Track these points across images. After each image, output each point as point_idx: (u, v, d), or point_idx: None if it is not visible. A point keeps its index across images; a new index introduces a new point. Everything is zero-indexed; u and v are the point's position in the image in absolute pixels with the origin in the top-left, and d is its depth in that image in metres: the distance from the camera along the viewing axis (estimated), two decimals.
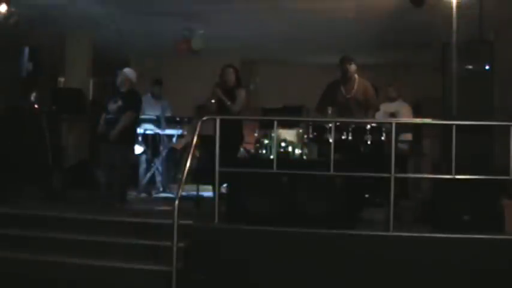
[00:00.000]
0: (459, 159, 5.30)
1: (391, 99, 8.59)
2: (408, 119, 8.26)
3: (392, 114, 8.02)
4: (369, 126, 6.19)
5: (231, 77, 7.25)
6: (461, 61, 6.39)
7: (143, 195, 8.34)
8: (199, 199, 7.09)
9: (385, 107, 8.21)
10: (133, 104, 7.25)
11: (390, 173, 5.33)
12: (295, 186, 5.65)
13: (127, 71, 7.44)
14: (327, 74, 7.73)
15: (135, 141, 7.84)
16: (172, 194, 7.73)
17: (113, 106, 7.19)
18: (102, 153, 7.21)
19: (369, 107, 7.11)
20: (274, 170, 5.52)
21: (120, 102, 7.16)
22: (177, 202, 5.07)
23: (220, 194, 5.75)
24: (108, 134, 7.05)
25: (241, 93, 7.25)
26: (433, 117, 6.93)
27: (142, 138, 8.66)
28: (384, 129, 6.22)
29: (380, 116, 7.73)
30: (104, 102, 7.44)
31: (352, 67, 7.03)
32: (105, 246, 5.74)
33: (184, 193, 5.90)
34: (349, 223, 5.48)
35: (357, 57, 7.17)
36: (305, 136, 6.85)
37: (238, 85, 7.31)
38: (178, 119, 8.97)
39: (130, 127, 7.25)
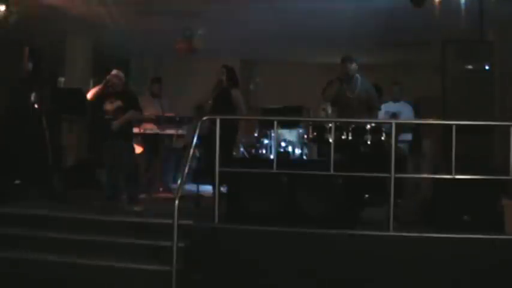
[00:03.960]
0: (459, 159, 5.30)
1: (395, 99, 8.58)
2: (408, 119, 8.25)
3: (394, 115, 8.02)
4: (368, 126, 6.19)
5: (223, 77, 7.31)
6: (461, 61, 6.39)
7: (143, 195, 8.33)
8: (199, 199, 7.09)
9: (388, 107, 8.20)
10: (136, 104, 7.38)
11: (390, 173, 5.33)
12: (295, 186, 5.65)
13: (118, 72, 7.50)
14: (327, 74, 7.73)
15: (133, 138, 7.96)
16: (172, 194, 7.73)
17: (111, 106, 7.22)
18: (106, 153, 7.21)
19: (371, 107, 7.11)
20: (274, 170, 5.52)
21: (119, 103, 7.20)
22: (177, 202, 5.07)
23: (220, 194, 5.75)
24: (110, 132, 7.10)
25: (238, 95, 7.32)
26: (433, 117, 6.93)
27: (142, 138, 8.65)
28: (384, 129, 6.21)
29: (382, 116, 7.72)
30: (95, 104, 7.46)
31: (354, 66, 7.03)
32: (105, 246, 5.74)
33: (184, 193, 5.91)
34: (349, 223, 5.48)
35: (357, 57, 7.17)
36: (305, 136, 6.85)
37: (232, 85, 7.36)
38: (178, 119, 8.97)
39: (131, 124, 7.39)
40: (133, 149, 7.79)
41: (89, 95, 7.32)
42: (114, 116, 7.18)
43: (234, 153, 8.20)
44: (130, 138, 7.52)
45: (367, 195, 6.44)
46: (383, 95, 8.19)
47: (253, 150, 8.85)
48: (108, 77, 7.37)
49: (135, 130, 8.11)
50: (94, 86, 10.12)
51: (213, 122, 5.78)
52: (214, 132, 5.61)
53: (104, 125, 7.21)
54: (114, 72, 7.48)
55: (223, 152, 5.65)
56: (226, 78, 7.38)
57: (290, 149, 8.70)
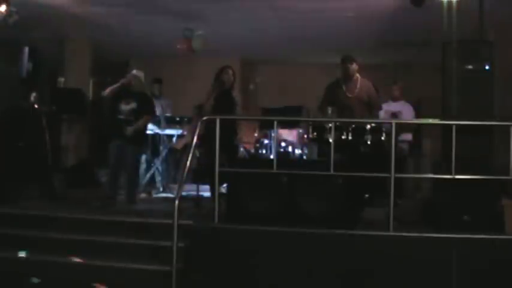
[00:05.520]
0: (459, 159, 5.29)
1: (394, 99, 8.57)
2: (408, 119, 8.25)
3: (394, 114, 8.01)
4: (368, 126, 6.19)
5: (230, 78, 7.28)
6: (461, 61, 6.39)
7: (143, 195, 8.34)
8: (199, 199, 7.09)
9: (388, 107, 8.20)
10: (150, 109, 7.37)
11: (390, 173, 5.33)
12: (295, 186, 5.65)
13: (138, 73, 7.46)
14: (327, 74, 7.74)
15: (145, 143, 7.94)
16: (172, 194, 7.74)
17: (125, 107, 7.18)
18: (111, 153, 7.18)
19: (371, 107, 7.11)
20: (274, 170, 5.52)
21: (134, 105, 7.16)
22: (177, 202, 5.07)
23: (220, 194, 5.75)
24: (121, 133, 7.06)
25: (238, 97, 7.33)
26: (433, 117, 6.93)
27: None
28: (384, 129, 6.21)
29: (382, 116, 7.72)
30: (110, 102, 7.39)
31: (354, 66, 7.03)
32: (105, 246, 5.74)
33: (184, 193, 5.91)
34: (349, 223, 5.48)
35: (357, 57, 7.17)
36: (305, 136, 6.85)
37: (232, 87, 7.36)
38: (178, 119, 8.97)
39: (144, 129, 7.37)
40: (141, 152, 7.77)
41: (106, 92, 7.28)
42: (127, 117, 7.15)
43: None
44: (140, 142, 7.48)
45: (367, 195, 6.44)
46: (380, 95, 8.17)
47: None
48: (127, 76, 7.35)
49: None
50: (94, 86, 10.14)
51: (210, 121, 5.78)
52: (211, 132, 5.61)
53: (115, 125, 7.16)
54: (134, 72, 7.47)
55: (224, 153, 5.66)
56: (233, 80, 7.36)
57: (290, 149, 8.70)
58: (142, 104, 7.23)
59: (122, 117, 7.15)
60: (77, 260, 5.63)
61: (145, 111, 7.27)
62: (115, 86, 7.23)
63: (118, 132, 7.08)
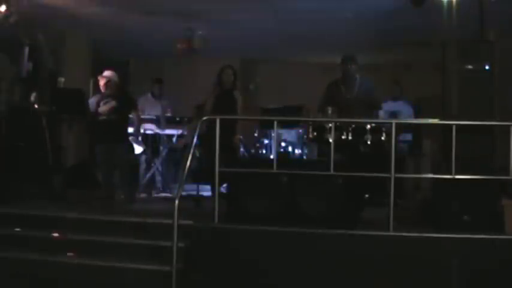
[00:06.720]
0: (459, 159, 5.30)
1: (394, 98, 8.57)
2: (408, 118, 8.25)
3: (393, 114, 8.01)
4: (368, 126, 6.19)
5: (230, 78, 7.27)
6: (461, 61, 6.40)
7: (143, 195, 8.34)
8: (199, 199, 7.09)
9: (387, 106, 8.20)
10: (132, 104, 7.41)
11: (390, 173, 5.33)
12: (295, 186, 5.65)
13: (110, 73, 7.50)
14: (327, 74, 7.73)
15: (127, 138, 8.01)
16: (172, 194, 7.74)
17: (103, 107, 7.23)
18: (101, 155, 7.22)
19: (371, 107, 7.10)
20: (274, 170, 5.52)
21: (113, 103, 7.21)
22: (177, 202, 5.07)
23: (220, 194, 5.75)
24: (105, 135, 7.11)
25: (240, 97, 7.32)
26: (433, 117, 6.93)
27: (142, 138, 8.66)
28: (384, 129, 6.21)
29: (381, 115, 7.71)
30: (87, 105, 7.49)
31: (354, 67, 7.01)
32: (105, 246, 5.74)
33: (184, 193, 5.91)
34: (349, 223, 5.48)
35: (357, 57, 7.16)
36: (305, 136, 6.85)
37: (234, 87, 7.35)
38: (178, 119, 8.98)
39: (126, 125, 7.40)
40: (129, 149, 7.79)
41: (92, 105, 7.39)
42: (109, 117, 7.19)
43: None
44: (126, 139, 7.52)
45: (367, 195, 6.44)
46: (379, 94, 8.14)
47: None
48: (99, 79, 7.41)
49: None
50: (94, 86, 10.13)
51: (211, 121, 5.79)
52: (211, 131, 5.62)
53: (98, 126, 7.23)
54: (104, 73, 7.51)
55: (225, 152, 5.66)
56: (233, 80, 7.35)
57: (290, 149, 8.71)
58: (122, 102, 7.30)
59: (104, 117, 7.21)
60: (71, 254, 5.64)
61: (129, 108, 7.35)
62: (104, 106, 7.33)
63: (102, 134, 7.16)
